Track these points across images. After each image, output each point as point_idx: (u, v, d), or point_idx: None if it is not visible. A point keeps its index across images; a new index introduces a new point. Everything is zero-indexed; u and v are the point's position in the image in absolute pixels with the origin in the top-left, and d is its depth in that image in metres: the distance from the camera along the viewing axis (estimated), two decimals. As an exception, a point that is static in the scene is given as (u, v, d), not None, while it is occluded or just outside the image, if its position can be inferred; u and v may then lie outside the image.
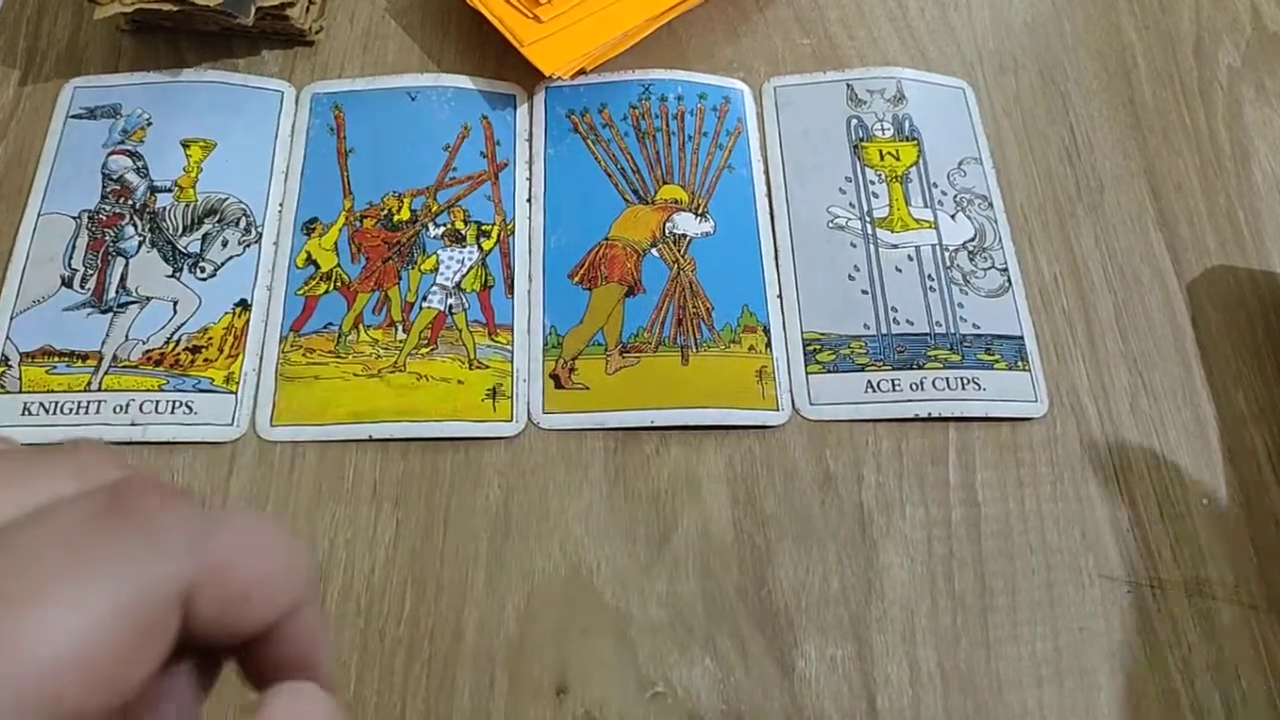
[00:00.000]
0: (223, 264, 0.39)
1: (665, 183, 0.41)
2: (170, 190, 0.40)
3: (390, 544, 0.34)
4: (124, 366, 0.37)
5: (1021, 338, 0.39)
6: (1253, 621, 0.34)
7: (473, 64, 0.44)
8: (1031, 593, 0.34)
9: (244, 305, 0.38)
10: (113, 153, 0.41)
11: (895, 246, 0.40)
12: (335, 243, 0.40)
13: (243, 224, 0.40)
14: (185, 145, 0.41)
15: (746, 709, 0.32)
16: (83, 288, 0.38)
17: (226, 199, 0.40)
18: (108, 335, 0.37)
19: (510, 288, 0.39)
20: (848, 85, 0.44)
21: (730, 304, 0.39)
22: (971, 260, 0.40)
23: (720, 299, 0.39)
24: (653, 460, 0.36)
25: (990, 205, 0.41)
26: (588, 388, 0.37)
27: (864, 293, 0.39)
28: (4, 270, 0.39)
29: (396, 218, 0.40)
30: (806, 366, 0.38)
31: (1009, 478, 0.36)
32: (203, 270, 0.39)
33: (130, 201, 0.40)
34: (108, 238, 0.39)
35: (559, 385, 0.37)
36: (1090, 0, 0.48)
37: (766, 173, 0.42)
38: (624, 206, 0.41)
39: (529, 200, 0.41)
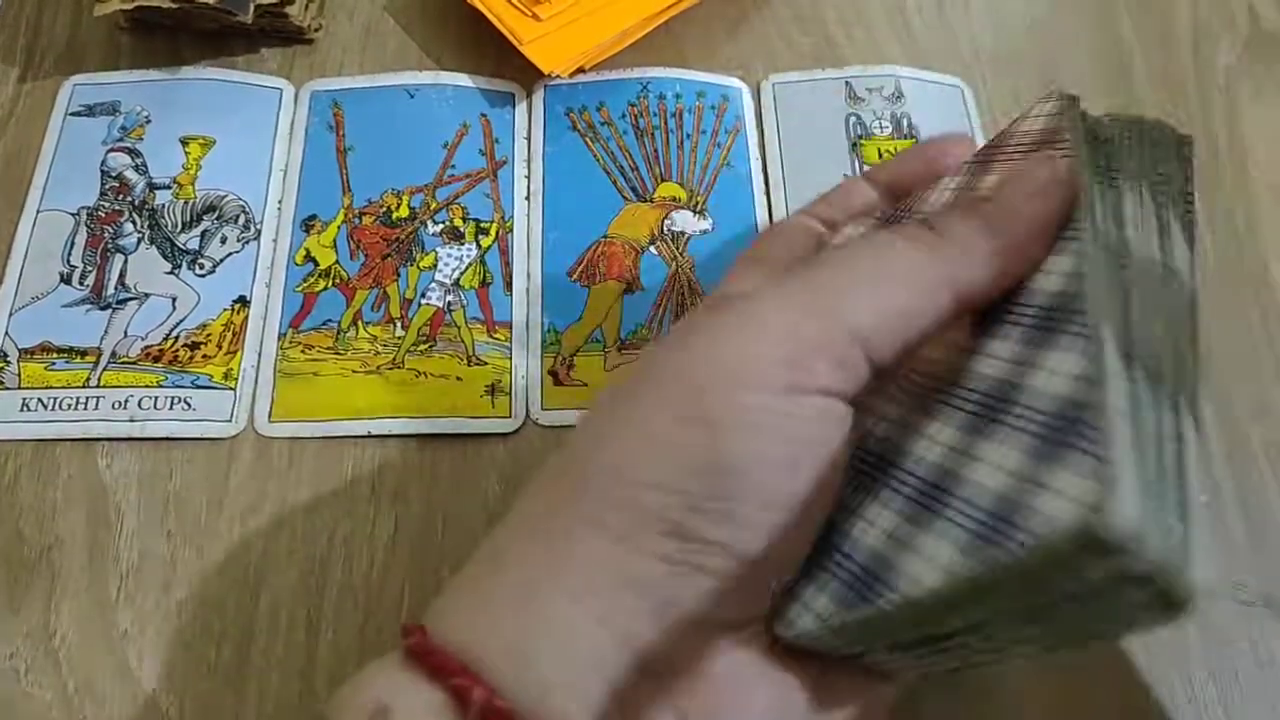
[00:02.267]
0: (221, 261, 0.39)
1: (664, 180, 0.41)
2: (169, 187, 0.40)
3: (389, 540, 0.34)
4: (123, 362, 0.37)
5: (1019, 335, 0.39)
6: (1251, 620, 0.34)
7: (471, 62, 0.44)
8: (1029, 589, 0.34)
9: (243, 302, 0.38)
10: (112, 150, 0.41)
11: (893, 244, 0.40)
12: (334, 240, 0.40)
13: (241, 221, 0.40)
14: (184, 143, 0.41)
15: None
16: (82, 284, 0.38)
17: (225, 196, 0.40)
18: (106, 331, 0.37)
19: (509, 285, 0.39)
20: (846, 83, 0.44)
21: (728, 301, 0.39)
22: (969, 258, 0.40)
23: (718, 296, 0.39)
24: (651, 457, 0.36)
25: (988, 203, 0.41)
26: (586, 384, 0.37)
27: (862, 290, 0.39)
28: (3, 267, 0.39)
29: (395, 215, 0.40)
30: (805, 363, 0.38)
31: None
32: (201, 267, 0.39)
33: (129, 198, 0.40)
34: (107, 234, 0.39)
35: (557, 382, 0.37)
36: (1087, 0, 0.48)
37: (765, 170, 0.42)
38: (622, 204, 0.41)
39: (527, 198, 0.41)
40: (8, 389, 0.36)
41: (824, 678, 0.24)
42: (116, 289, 0.38)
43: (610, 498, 0.22)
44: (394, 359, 0.37)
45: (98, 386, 0.36)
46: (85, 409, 0.36)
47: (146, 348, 0.37)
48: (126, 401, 0.36)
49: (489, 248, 0.40)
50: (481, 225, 0.40)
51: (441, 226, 0.40)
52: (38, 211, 0.40)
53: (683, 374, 0.23)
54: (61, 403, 0.36)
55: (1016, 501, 0.19)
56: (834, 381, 0.23)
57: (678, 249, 0.40)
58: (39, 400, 0.36)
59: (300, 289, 0.39)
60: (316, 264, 0.39)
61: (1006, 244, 0.23)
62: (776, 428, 0.22)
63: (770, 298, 0.24)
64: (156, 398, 0.36)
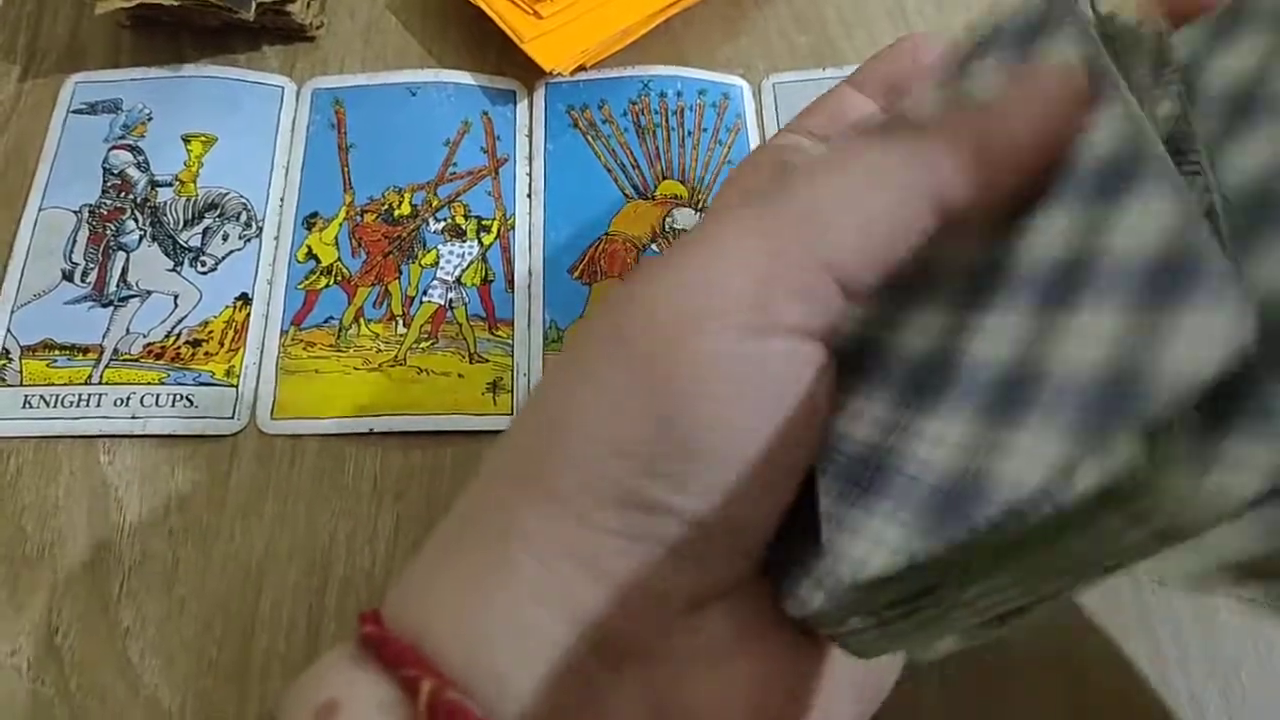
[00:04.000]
0: (223, 258, 0.39)
1: (665, 178, 0.41)
2: (171, 185, 0.40)
3: (391, 538, 0.34)
4: (125, 360, 0.37)
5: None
6: (1253, 616, 0.34)
7: (473, 60, 0.44)
8: (1030, 586, 0.34)
9: (245, 299, 0.38)
10: (113, 147, 0.41)
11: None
12: (336, 237, 0.40)
13: (243, 218, 0.40)
14: (186, 140, 0.41)
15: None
16: (83, 281, 0.38)
17: (227, 193, 0.40)
18: (108, 329, 0.37)
19: (510, 282, 0.39)
20: (847, 82, 0.44)
21: (730, 299, 0.39)
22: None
23: (720, 294, 0.39)
24: (653, 454, 0.36)
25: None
26: (588, 382, 0.37)
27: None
28: (5, 264, 0.39)
29: (397, 212, 0.40)
30: (806, 361, 0.38)
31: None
32: (203, 264, 0.39)
33: (131, 196, 0.40)
34: (108, 232, 0.39)
35: (559, 379, 0.37)
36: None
37: (766, 169, 0.42)
38: (624, 202, 0.41)
39: (529, 195, 0.41)
40: (10, 386, 0.36)
41: (814, 649, 0.22)
42: (118, 286, 0.38)
43: (562, 468, 0.20)
44: (396, 356, 0.37)
45: (100, 384, 0.36)
46: (87, 406, 0.36)
47: (148, 345, 0.37)
48: (128, 399, 0.36)
49: (490, 245, 0.40)
50: (483, 223, 0.40)
51: (443, 224, 0.40)
52: (39, 209, 0.40)
53: (631, 323, 0.21)
54: (63, 400, 0.36)
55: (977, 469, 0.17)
56: (804, 317, 0.20)
57: (679, 247, 0.40)
58: (41, 397, 0.36)
59: (302, 286, 0.39)
60: (318, 261, 0.39)
61: (999, 149, 0.20)
62: (738, 376, 0.20)
63: (724, 227, 0.21)
64: (158, 395, 0.36)
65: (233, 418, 0.36)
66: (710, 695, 0.21)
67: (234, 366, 0.37)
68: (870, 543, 0.19)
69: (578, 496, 0.20)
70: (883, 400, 0.21)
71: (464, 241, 0.40)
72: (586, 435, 0.20)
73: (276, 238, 0.40)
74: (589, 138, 0.42)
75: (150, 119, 0.42)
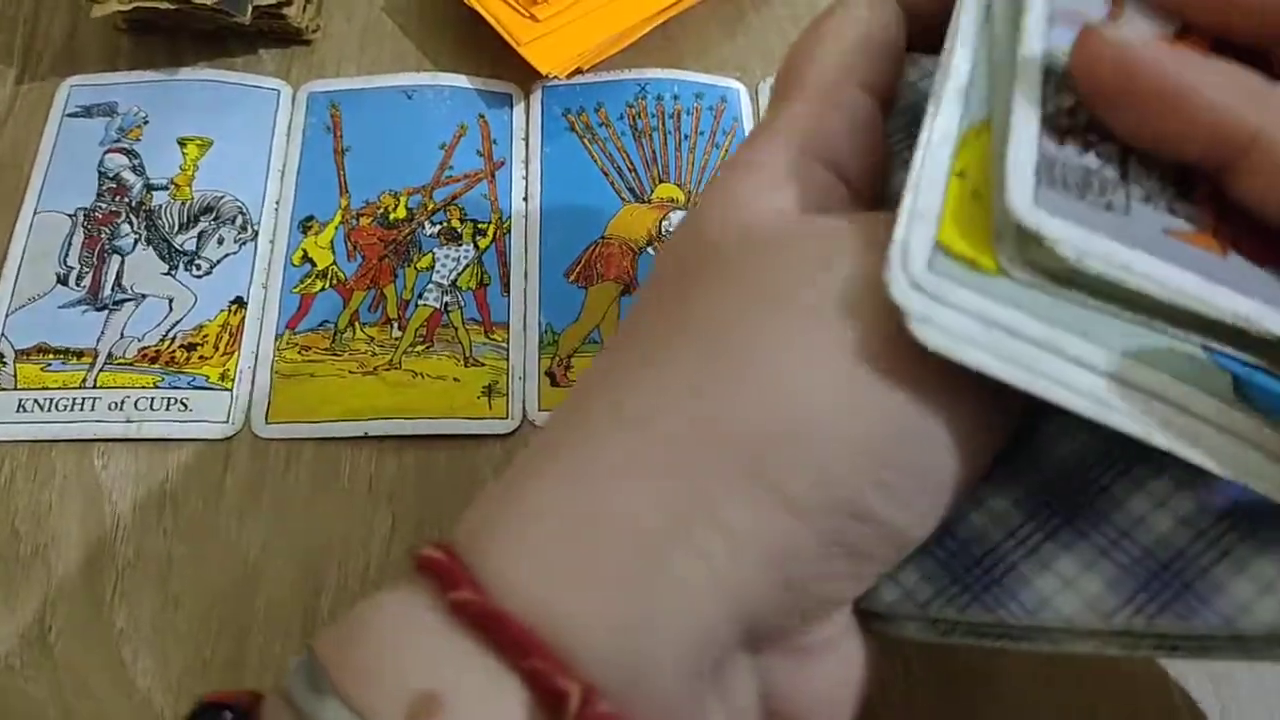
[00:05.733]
0: (218, 262, 0.39)
1: (661, 181, 0.41)
2: (166, 188, 0.40)
3: (385, 540, 0.34)
4: (119, 364, 0.37)
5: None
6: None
7: (469, 63, 0.44)
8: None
9: (240, 303, 0.38)
10: (109, 151, 0.41)
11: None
12: (331, 241, 0.40)
13: (239, 222, 0.40)
14: (182, 144, 0.41)
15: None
16: (78, 285, 0.38)
17: (223, 197, 0.40)
18: (103, 332, 0.37)
19: (506, 286, 0.39)
20: (843, 85, 0.44)
21: (726, 302, 0.39)
22: (967, 259, 0.40)
23: (716, 297, 0.39)
24: (648, 458, 0.36)
25: (985, 204, 0.41)
26: (583, 385, 0.37)
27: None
28: (0, 267, 0.39)
29: (393, 216, 0.40)
30: (802, 364, 0.38)
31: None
32: (198, 268, 0.39)
33: (126, 199, 0.40)
34: (104, 235, 0.39)
35: (555, 383, 0.37)
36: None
37: (762, 172, 0.42)
38: (620, 205, 0.41)
39: (525, 199, 0.41)
40: (4, 390, 0.36)
41: None
42: (113, 290, 0.38)
43: (795, 462, 0.18)
44: (391, 360, 0.37)
45: (94, 387, 0.36)
46: (81, 410, 0.36)
47: (143, 349, 0.37)
48: (123, 402, 0.36)
49: (486, 249, 0.40)
50: (479, 226, 0.40)
51: (439, 227, 0.40)
52: (35, 213, 0.40)
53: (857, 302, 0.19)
54: (58, 404, 0.36)
55: (1195, 564, 0.16)
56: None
57: (675, 250, 0.40)
58: (35, 401, 0.36)
59: (297, 290, 0.39)
60: (314, 265, 0.39)
61: None
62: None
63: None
64: (153, 399, 0.36)
65: (227, 421, 0.36)
66: (824, 679, 0.21)
67: (229, 370, 0.37)
68: (895, 584, 0.20)
69: (809, 496, 0.18)
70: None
71: (460, 245, 0.40)
72: (822, 432, 0.18)
73: (272, 241, 0.40)
74: (585, 141, 0.42)
75: (146, 122, 0.42)
